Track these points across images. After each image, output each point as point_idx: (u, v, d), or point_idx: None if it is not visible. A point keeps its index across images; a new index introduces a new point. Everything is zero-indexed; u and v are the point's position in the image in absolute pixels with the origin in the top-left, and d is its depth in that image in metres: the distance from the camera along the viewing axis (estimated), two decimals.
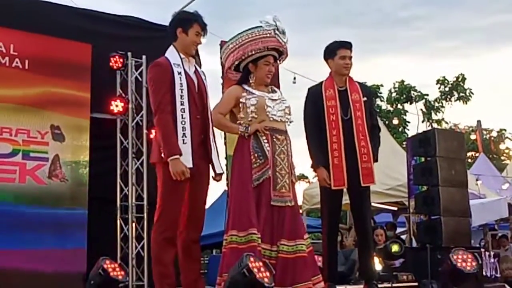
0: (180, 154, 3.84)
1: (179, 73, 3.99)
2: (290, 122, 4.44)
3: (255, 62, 4.36)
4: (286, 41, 4.42)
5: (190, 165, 3.88)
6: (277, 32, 4.33)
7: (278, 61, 4.58)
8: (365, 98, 4.98)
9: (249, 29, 4.35)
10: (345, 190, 4.91)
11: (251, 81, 4.38)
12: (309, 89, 5.09)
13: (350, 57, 5.00)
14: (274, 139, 4.26)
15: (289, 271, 4.09)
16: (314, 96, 4.96)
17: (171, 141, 3.87)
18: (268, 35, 4.31)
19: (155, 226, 3.99)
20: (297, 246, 4.16)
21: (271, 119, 4.29)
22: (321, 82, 5.03)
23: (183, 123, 3.92)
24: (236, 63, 4.43)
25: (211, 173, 4.15)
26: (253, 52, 4.32)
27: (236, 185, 4.23)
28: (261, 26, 4.33)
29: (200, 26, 4.12)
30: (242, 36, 4.34)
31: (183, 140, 3.89)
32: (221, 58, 7.26)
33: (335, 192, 4.84)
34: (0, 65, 6.33)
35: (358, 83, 5.10)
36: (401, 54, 45.02)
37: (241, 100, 4.31)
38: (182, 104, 3.94)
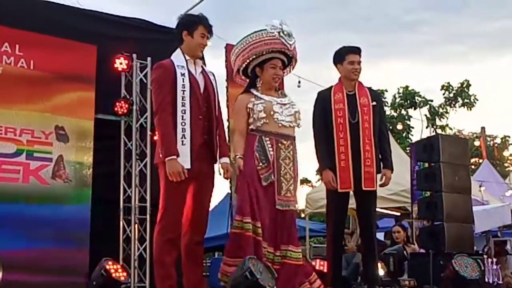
0: (177, 155, 3.84)
1: (182, 74, 3.99)
2: (299, 126, 4.39)
3: (261, 66, 4.32)
4: (293, 44, 4.35)
5: (188, 166, 3.87)
6: (282, 34, 4.26)
7: (288, 67, 4.52)
8: (374, 103, 4.99)
9: (254, 32, 4.32)
10: (351, 194, 4.92)
11: (258, 85, 4.34)
12: (318, 93, 5.13)
13: (359, 62, 5.02)
14: (279, 144, 4.23)
15: (291, 277, 4.10)
16: (323, 100, 4.99)
17: (169, 141, 3.88)
18: (272, 37, 4.26)
19: (157, 228, 4.00)
20: (299, 254, 4.19)
21: (280, 124, 4.24)
22: (331, 87, 5.06)
23: (183, 124, 3.92)
24: (243, 66, 4.39)
25: (217, 174, 4.15)
26: (257, 55, 4.28)
27: (241, 181, 4.20)
28: (265, 29, 4.29)
29: (205, 28, 4.12)
30: (246, 39, 4.31)
31: (182, 141, 3.90)
32: (226, 61, 7.34)
33: (342, 195, 4.86)
34: (6, 65, 6.32)
35: (367, 88, 5.11)
36: (405, 59, 45.10)
37: (249, 106, 4.28)
38: (183, 105, 3.94)
